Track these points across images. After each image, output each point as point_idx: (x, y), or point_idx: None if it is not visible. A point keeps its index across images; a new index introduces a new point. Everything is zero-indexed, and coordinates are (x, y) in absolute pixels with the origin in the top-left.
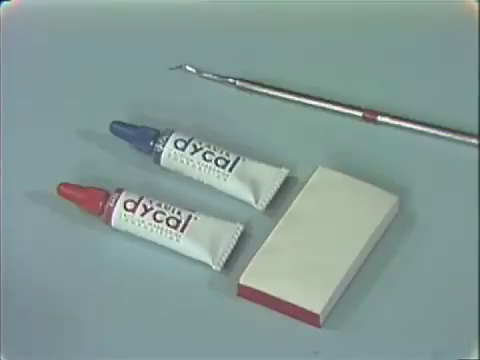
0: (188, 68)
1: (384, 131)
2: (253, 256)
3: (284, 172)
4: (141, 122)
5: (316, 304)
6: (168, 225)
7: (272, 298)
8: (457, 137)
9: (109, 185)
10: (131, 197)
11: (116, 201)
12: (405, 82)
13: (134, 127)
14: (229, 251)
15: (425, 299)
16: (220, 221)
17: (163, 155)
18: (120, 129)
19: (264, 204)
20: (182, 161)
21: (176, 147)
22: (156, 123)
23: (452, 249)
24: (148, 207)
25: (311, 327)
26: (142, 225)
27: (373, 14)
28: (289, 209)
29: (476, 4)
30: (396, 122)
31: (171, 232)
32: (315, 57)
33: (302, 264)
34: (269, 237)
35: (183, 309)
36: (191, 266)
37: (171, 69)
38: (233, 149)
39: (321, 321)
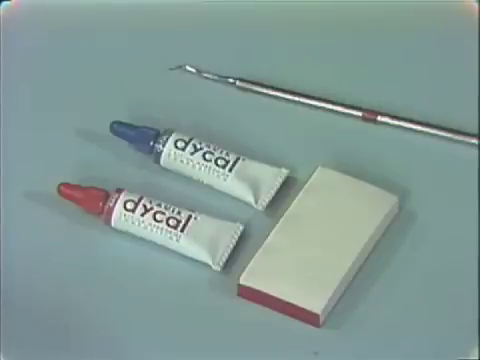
0: (188, 68)
1: (384, 131)
2: (253, 256)
3: (284, 172)
4: (141, 122)
5: (316, 304)
6: (168, 225)
7: (272, 298)
8: (457, 137)
9: (109, 185)
10: (131, 197)
11: (116, 201)
12: (405, 82)
13: (134, 127)
14: (229, 251)
15: (425, 299)
16: (220, 221)
17: (163, 155)
18: (120, 129)
19: (264, 204)
20: (182, 161)
21: (176, 147)
22: (156, 123)
23: (452, 249)
24: (148, 207)
25: (311, 327)
26: (142, 225)
27: (373, 14)
28: (289, 209)
29: (476, 4)
30: (396, 122)
31: (171, 232)
32: (315, 57)
33: (302, 264)
34: (269, 237)
35: (183, 309)
36: (191, 266)
37: (171, 69)
38: (233, 149)
39: (321, 321)
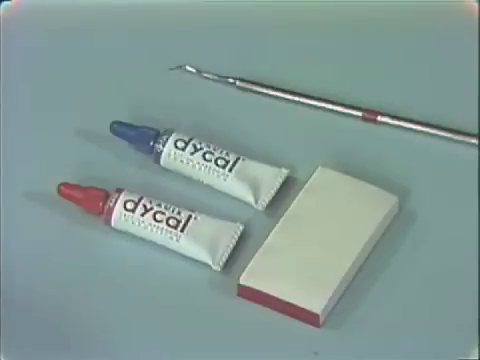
0: (188, 68)
1: (384, 131)
2: (253, 256)
3: (284, 172)
4: (141, 122)
5: (316, 304)
6: (168, 225)
7: (272, 298)
8: (457, 137)
9: (109, 185)
10: (131, 197)
11: (116, 201)
12: (405, 82)
13: (134, 127)
14: (229, 251)
15: (425, 299)
16: (220, 221)
17: (163, 155)
18: (120, 129)
19: (264, 204)
20: (182, 161)
21: (176, 147)
22: (156, 123)
23: (452, 249)
24: (148, 207)
25: (311, 327)
26: (142, 225)
27: (373, 14)
28: (289, 209)
29: (476, 4)
30: (396, 122)
31: (171, 232)
32: (315, 57)
33: (302, 264)
34: (269, 237)
35: (183, 309)
36: (191, 266)
37: (171, 69)
38: (233, 149)
39: (321, 321)
